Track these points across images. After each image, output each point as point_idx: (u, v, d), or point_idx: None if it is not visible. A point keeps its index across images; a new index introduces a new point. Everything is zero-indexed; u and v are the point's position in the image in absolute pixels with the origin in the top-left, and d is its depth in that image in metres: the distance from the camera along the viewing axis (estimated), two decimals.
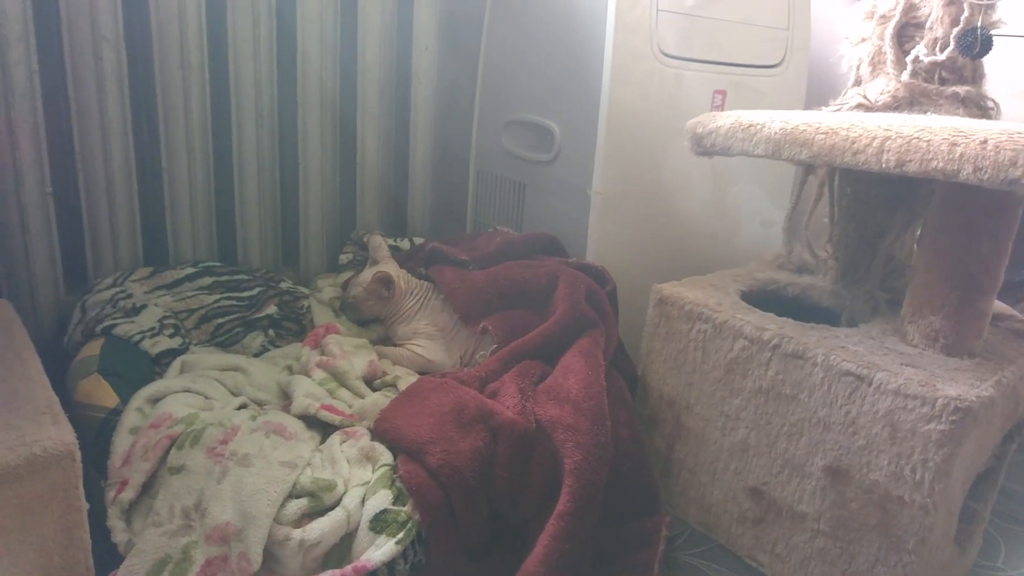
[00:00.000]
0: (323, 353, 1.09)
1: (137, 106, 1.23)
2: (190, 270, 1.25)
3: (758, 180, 1.48)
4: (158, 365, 1.05)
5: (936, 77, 1.05)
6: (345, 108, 1.43)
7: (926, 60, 1.04)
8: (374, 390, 1.07)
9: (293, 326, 1.25)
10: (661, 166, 1.33)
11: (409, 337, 1.19)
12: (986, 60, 1.05)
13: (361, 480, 0.85)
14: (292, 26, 1.33)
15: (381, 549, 0.79)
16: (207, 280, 1.24)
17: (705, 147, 1.03)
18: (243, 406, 0.96)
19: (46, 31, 1.13)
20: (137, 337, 1.05)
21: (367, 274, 1.23)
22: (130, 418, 0.88)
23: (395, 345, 1.20)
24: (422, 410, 0.93)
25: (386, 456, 0.89)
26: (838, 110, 1.11)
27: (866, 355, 0.91)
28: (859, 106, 1.09)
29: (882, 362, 0.89)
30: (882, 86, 1.08)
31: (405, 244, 1.45)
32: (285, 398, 1.00)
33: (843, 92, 1.15)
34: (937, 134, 0.78)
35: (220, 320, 1.17)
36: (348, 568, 0.78)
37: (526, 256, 1.26)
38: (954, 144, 0.77)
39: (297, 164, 1.40)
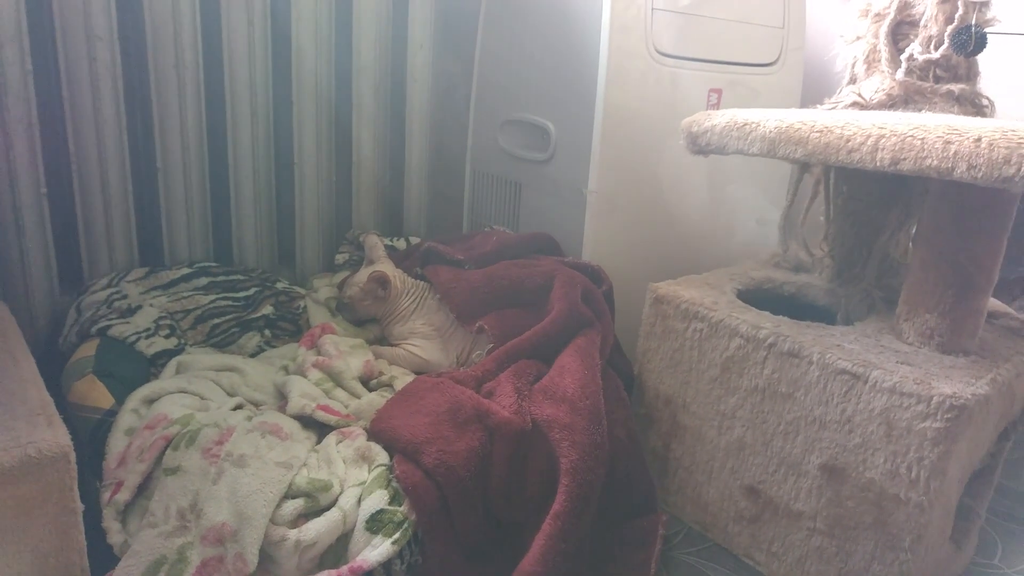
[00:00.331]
0: (319, 353, 1.09)
1: (132, 106, 1.23)
2: (186, 270, 1.24)
3: (754, 179, 1.48)
4: (154, 366, 1.04)
5: (931, 75, 1.05)
6: (340, 108, 1.43)
7: (920, 58, 1.04)
8: (370, 390, 1.07)
9: (289, 326, 1.25)
10: (657, 165, 1.33)
11: (405, 337, 1.19)
12: (981, 58, 1.05)
13: (357, 480, 0.85)
14: (287, 25, 1.33)
15: (377, 549, 0.79)
16: (203, 280, 1.23)
17: (700, 146, 1.03)
18: (239, 407, 0.96)
19: (40, 31, 1.12)
20: (132, 338, 1.05)
21: (363, 274, 1.23)
22: (125, 419, 0.88)
23: (391, 345, 1.20)
24: (418, 410, 0.93)
25: (382, 456, 0.89)
26: (833, 108, 1.11)
27: (862, 353, 0.91)
28: (854, 104, 1.09)
29: (878, 360, 0.89)
30: (877, 84, 1.08)
31: (401, 244, 1.45)
32: (281, 398, 1.00)
33: (838, 90, 1.15)
34: (931, 132, 0.78)
35: (216, 320, 1.17)
36: (344, 568, 0.78)
37: (522, 255, 1.26)
38: (948, 142, 0.77)
39: (292, 164, 1.40)
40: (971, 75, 1.06)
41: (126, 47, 1.19)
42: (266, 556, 0.77)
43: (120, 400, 0.91)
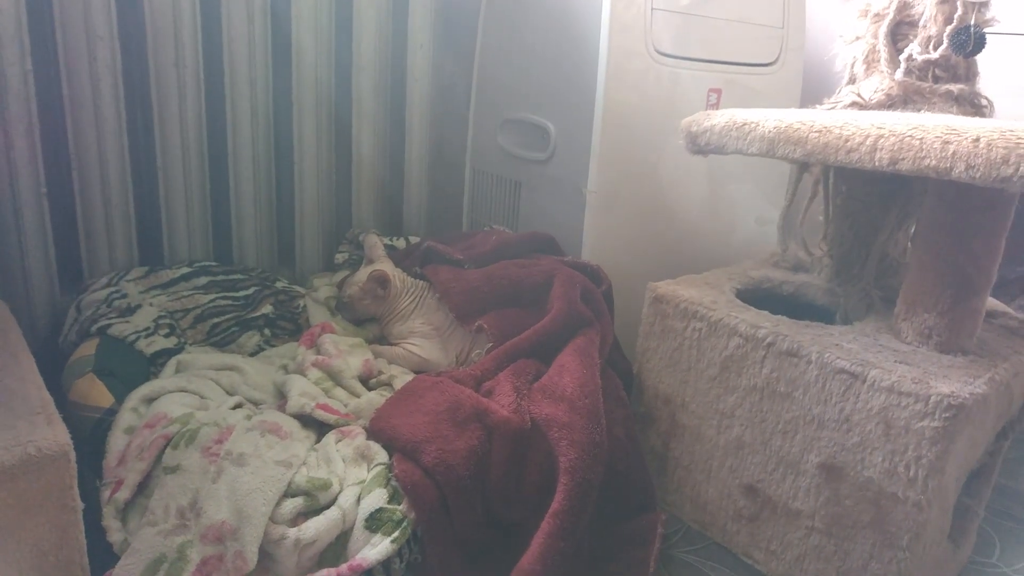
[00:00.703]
0: (319, 352, 1.09)
1: (132, 105, 1.23)
2: (185, 270, 1.24)
3: (753, 178, 1.48)
4: (153, 365, 1.05)
5: (930, 75, 1.05)
6: (340, 107, 1.43)
7: (919, 58, 1.04)
8: (370, 389, 1.07)
9: (289, 325, 1.25)
10: (656, 165, 1.33)
11: (405, 336, 1.19)
12: (980, 58, 1.05)
13: (356, 479, 0.86)
14: (287, 24, 1.33)
15: (377, 548, 0.79)
16: (202, 280, 1.24)
17: (700, 146, 1.03)
18: (238, 405, 0.96)
19: (40, 31, 1.12)
20: (132, 337, 1.05)
21: (363, 273, 1.23)
22: (125, 418, 0.88)
23: (391, 344, 1.20)
24: (417, 409, 0.93)
25: (381, 455, 0.89)
26: (832, 108, 1.11)
27: (860, 353, 0.91)
28: (853, 104, 1.10)
29: (876, 359, 0.89)
30: (876, 84, 1.09)
31: (401, 243, 1.45)
32: (281, 397, 1.00)
33: (837, 90, 1.15)
34: (930, 132, 0.79)
35: (216, 320, 1.17)
36: (344, 567, 0.78)
37: (522, 255, 1.26)
38: (946, 142, 0.77)
39: (292, 163, 1.40)
40: (970, 75, 1.06)
41: (126, 46, 1.19)
42: (266, 554, 0.77)
43: (120, 399, 0.91)
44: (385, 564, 0.80)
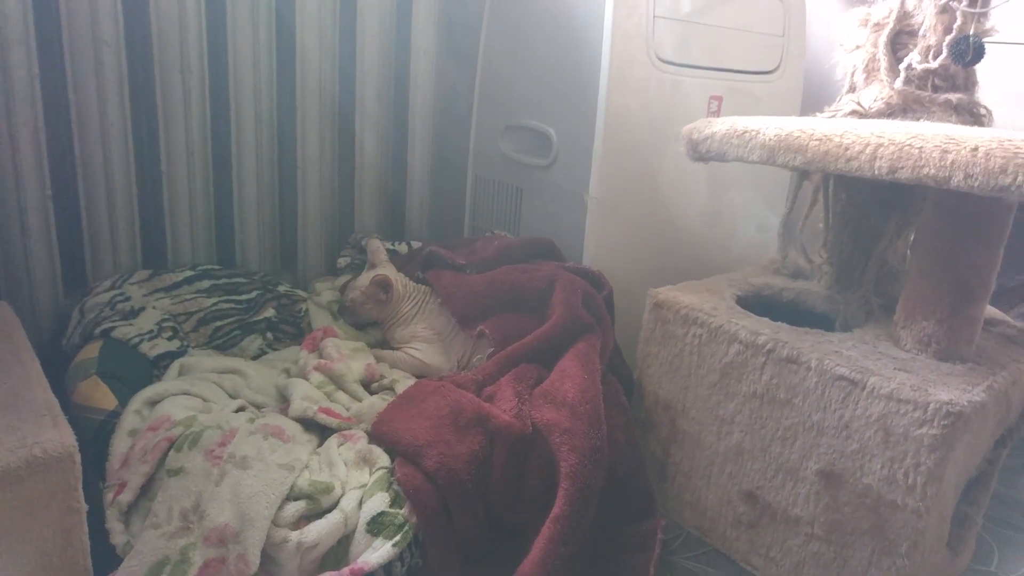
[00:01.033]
0: (321, 356, 1.10)
1: (137, 110, 1.24)
2: (188, 273, 1.25)
3: (754, 185, 1.49)
4: (156, 368, 1.05)
5: (929, 84, 1.06)
6: (344, 112, 1.44)
7: (919, 67, 1.05)
8: (372, 393, 1.08)
9: (291, 329, 1.26)
10: (657, 171, 1.34)
11: (407, 340, 1.20)
12: (980, 67, 1.06)
13: (358, 483, 0.86)
14: (291, 30, 1.34)
15: (378, 552, 0.79)
16: (205, 283, 1.24)
17: (700, 153, 1.04)
18: (241, 409, 0.96)
19: (46, 35, 1.13)
20: (136, 340, 1.06)
21: (365, 278, 1.24)
22: (129, 420, 0.89)
23: (393, 348, 1.21)
24: (419, 413, 0.94)
25: (383, 459, 0.89)
26: (832, 116, 1.12)
27: (859, 360, 0.91)
28: (853, 112, 1.10)
29: (875, 367, 0.89)
30: (876, 93, 1.09)
31: (403, 248, 1.46)
32: (283, 401, 1.01)
33: (838, 98, 1.16)
34: (929, 141, 0.79)
35: (218, 323, 1.18)
36: (345, 570, 0.78)
37: (523, 260, 1.27)
38: (945, 151, 0.77)
39: (296, 168, 1.41)
40: (969, 85, 1.06)
41: (132, 51, 1.20)
42: (268, 557, 0.78)
43: (123, 401, 0.92)
44: (387, 568, 0.80)
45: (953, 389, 0.84)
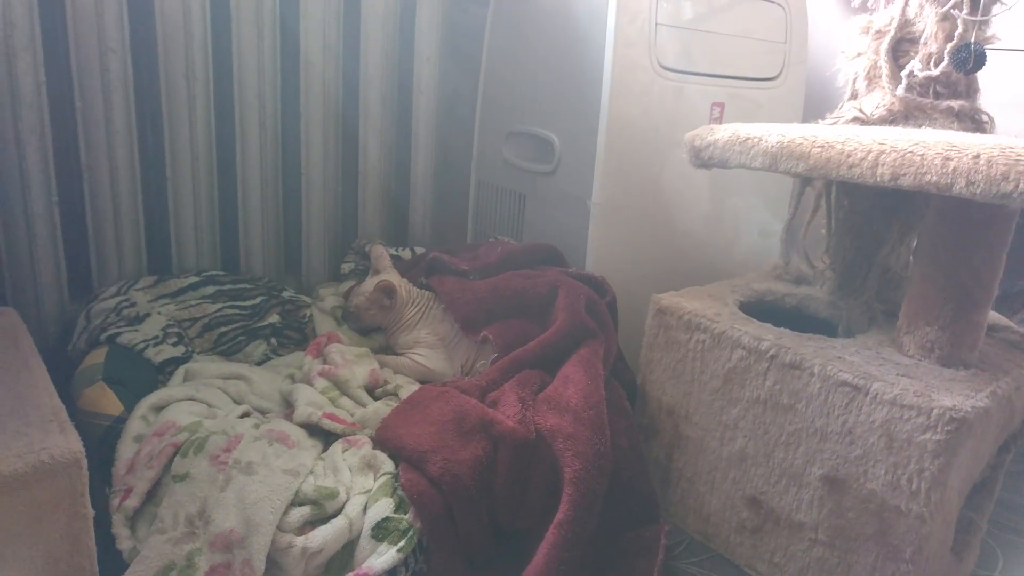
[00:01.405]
0: (325, 362, 1.10)
1: (142, 116, 1.24)
2: (193, 279, 1.26)
3: (756, 191, 1.49)
4: (162, 373, 1.06)
5: (931, 91, 1.06)
6: (347, 118, 1.45)
7: (921, 75, 1.05)
8: (376, 399, 1.08)
9: (295, 335, 1.26)
10: (660, 177, 1.34)
11: (410, 346, 1.20)
12: (981, 74, 1.06)
13: (363, 488, 0.86)
14: (295, 37, 1.35)
15: (383, 557, 0.80)
16: (210, 289, 1.25)
17: (703, 159, 1.04)
18: (246, 414, 0.97)
19: (53, 42, 1.14)
20: (141, 345, 1.06)
21: (369, 283, 1.24)
22: (134, 426, 0.89)
23: (396, 354, 1.21)
24: (423, 419, 0.94)
25: (388, 464, 0.90)
26: (834, 123, 1.12)
27: (863, 365, 0.92)
28: (855, 119, 1.11)
29: (878, 372, 0.90)
30: (878, 100, 1.10)
31: (406, 253, 1.46)
32: (287, 406, 1.01)
33: (839, 105, 1.17)
34: (930, 148, 0.80)
35: (223, 329, 1.18)
36: (350, 575, 0.78)
37: (526, 266, 1.27)
38: (947, 158, 0.78)
39: (300, 174, 1.41)
40: (971, 92, 1.07)
41: (138, 58, 1.21)
42: (273, 563, 0.78)
43: (129, 407, 0.92)
44: (391, 573, 0.80)
45: (956, 395, 0.84)
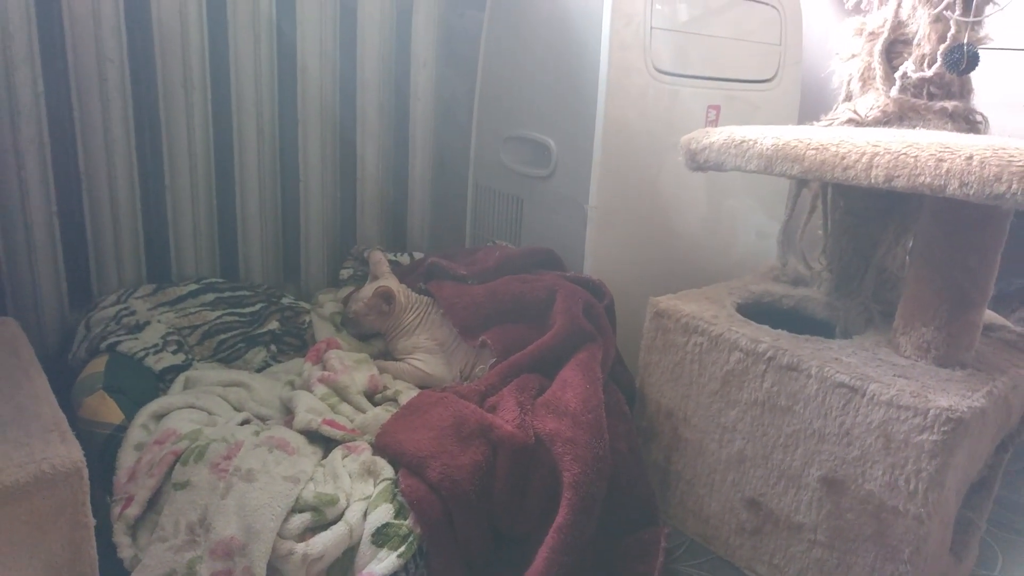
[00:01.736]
0: (324, 368, 1.10)
1: (140, 125, 1.25)
2: (193, 286, 1.26)
3: (753, 193, 1.50)
4: (162, 381, 1.06)
5: (924, 92, 1.07)
6: (345, 124, 1.45)
7: (914, 76, 1.06)
8: (375, 404, 1.09)
9: (295, 341, 1.26)
10: (657, 180, 1.35)
11: (409, 351, 1.21)
12: (975, 73, 1.06)
13: (363, 494, 0.87)
14: (292, 44, 1.35)
15: (383, 563, 0.80)
16: (209, 296, 1.25)
17: (699, 162, 1.05)
18: (246, 421, 0.97)
19: (51, 53, 1.15)
20: (141, 354, 1.07)
21: (368, 289, 1.25)
22: (135, 434, 0.90)
23: (395, 359, 1.21)
24: (423, 424, 0.94)
25: (387, 470, 0.90)
26: (829, 125, 1.13)
27: (859, 367, 0.92)
28: (850, 121, 1.11)
29: (875, 373, 0.90)
30: (872, 101, 1.10)
31: (405, 259, 1.47)
32: (287, 413, 1.01)
33: (834, 107, 1.17)
34: (924, 150, 0.80)
35: (222, 336, 1.19)
36: None
37: (524, 270, 1.28)
38: (940, 160, 0.78)
39: (298, 180, 1.42)
40: (964, 92, 1.07)
41: (135, 67, 1.22)
42: (274, 570, 0.78)
43: (129, 415, 0.93)
44: None
45: (953, 395, 0.85)
